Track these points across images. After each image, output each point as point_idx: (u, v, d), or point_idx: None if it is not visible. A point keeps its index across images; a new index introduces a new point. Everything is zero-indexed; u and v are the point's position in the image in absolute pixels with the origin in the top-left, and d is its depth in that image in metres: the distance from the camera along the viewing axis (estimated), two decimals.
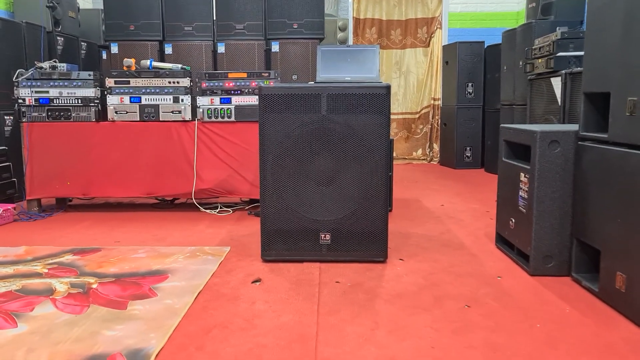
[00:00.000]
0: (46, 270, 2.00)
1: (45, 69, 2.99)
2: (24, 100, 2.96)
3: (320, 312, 1.60)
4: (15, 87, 2.97)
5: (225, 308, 1.64)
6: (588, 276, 1.81)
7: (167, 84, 2.97)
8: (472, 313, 1.60)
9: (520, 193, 2.01)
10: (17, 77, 2.97)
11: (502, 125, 2.23)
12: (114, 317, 1.56)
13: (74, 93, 2.97)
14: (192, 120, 2.98)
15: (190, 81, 3.00)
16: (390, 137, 2.13)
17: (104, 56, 4.34)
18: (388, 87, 1.99)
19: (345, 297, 1.73)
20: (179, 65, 3.06)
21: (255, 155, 2.92)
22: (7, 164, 3.22)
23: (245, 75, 2.96)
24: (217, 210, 3.06)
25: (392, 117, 1.85)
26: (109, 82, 2.98)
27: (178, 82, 2.97)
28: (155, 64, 3.07)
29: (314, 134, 2.01)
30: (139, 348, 1.37)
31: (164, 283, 1.86)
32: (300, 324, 1.52)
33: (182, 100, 2.97)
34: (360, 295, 1.75)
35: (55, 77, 2.97)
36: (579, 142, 1.83)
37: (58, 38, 3.96)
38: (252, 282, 1.87)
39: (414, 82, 5.66)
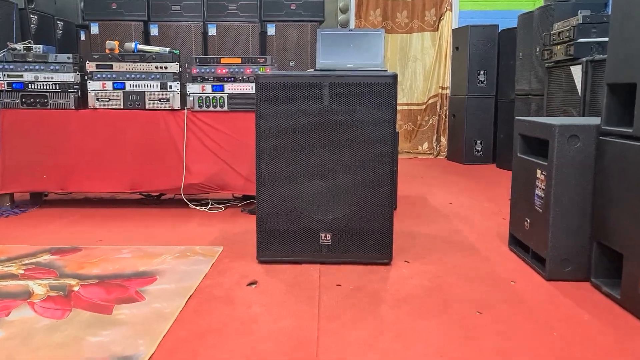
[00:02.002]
0: (22, 272, 2.01)
1: (19, 51, 2.98)
2: None
3: (321, 317, 1.62)
4: None
5: (219, 312, 1.66)
6: (609, 282, 1.84)
7: (154, 69, 2.97)
8: (483, 319, 1.62)
9: (536, 191, 2.03)
10: None
11: (516, 117, 2.25)
12: (99, 322, 1.58)
13: (51, 78, 2.97)
14: (181, 109, 2.99)
15: (180, 66, 3.00)
16: (396, 130, 2.14)
17: (83, 37, 4.33)
18: (395, 76, 2.01)
19: (347, 301, 1.75)
20: (167, 49, 3.06)
21: (250, 147, 2.92)
22: None
23: (239, 60, 2.96)
24: (208, 207, 3.08)
25: (397, 108, 1.88)
26: (90, 66, 2.97)
27: (166, 68, 2.97)
28: (140, 47, 3.07)
29: (315, 125, 2.02)
30: (126, 355, 1.39)
31: (152, 285, 1.88)
32: (299, 328, 1.55)
33: (171, 87, 2.97)
34: (363, 299, 1.77)
35: (30, 59, 2.96)
36: (601, 137, 1.85)
37: (31, 16, 3.94)
38: (248, 285, 1.89)
39: (421, 70, 5.67)
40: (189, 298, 1.76)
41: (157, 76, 2.97)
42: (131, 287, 1.87)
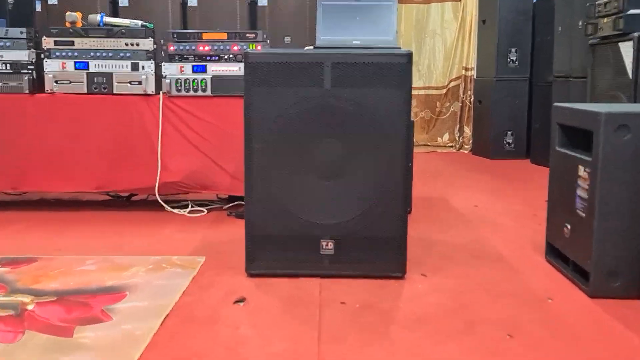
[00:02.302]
0: None
1: None
2: None
3: (322, 340, 1.63)
4: None
5: (201, 334, 1.66)
6: None
7: (124, 47, 2.97)
8: (513, 344, 1.62)
9: (578, 192, 2.03)
10: None
11: (555, 104, 2.25)
12: (58, 347, 1.58)
13: (1, 56, 2.97)
14: (155, 94, 2.99)
15: (154, 43, 3.00)
16: (411, 119, 2.14)
17: (38, 8, 4.33)
18: (410, 55, 2.01)
19: (352, 321, 1.76)
20: (139, 22, 3.07)
21: (238, 139, 2.89)
22: None
23: (224, 36, 2.97)
24: (188, 210, 3.08)
25: (412, 92, 1.88)
26: (47, 42, 2.97)
27: (137, 44, 2.97)
28: (107, 19, 3.07)
29: (315, 113, 2.02)
30: None
31: (121, 303, 1.88)
32: (296, 354, 1.55)
33: (143, 67, 2.97)
34: (371, 319, 1.77)
35: None
36: None
37: None
38: (235, 302, 1.90)
39: (441, 47, 5.67)
40: (165, 318, 1.76)
41: (127, 54, 2.97)
42: (96, 305, 1.87)
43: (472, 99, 5.53)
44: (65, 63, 2.97)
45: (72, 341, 1.62)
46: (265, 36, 2.99)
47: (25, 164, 3.00)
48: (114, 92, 2.98)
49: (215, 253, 2.39)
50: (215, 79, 2.96)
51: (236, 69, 2.95)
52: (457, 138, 5.65)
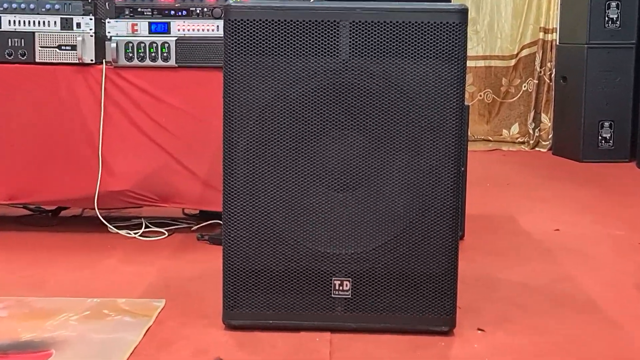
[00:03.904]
0: None
1: None
2: None
3: None
4: None
5: None
6: None
7: None
8: None
9: None
10: None
11: None
12: None
13: None
14: (96, 64, 2.99)
15: None
16: (465, 103, 2.13)
17: None
18: (464, 12, 2.00)
19: None
20: None
21: (214, 131, 2.88)
22: None
23: None
24: (141, 232, 3.08)
25: (467, 64, 1.88)
26: None
27: None
28: None
29: (326, 95, 2.01)
30: None
31: None
32: None
33: (78, 25, 2.97)
34: None
35: None
36: None
37: None
38: None
39: (509, 1, 5.65)
40: None
41: (56, 7, 2.98)
42: None
43: (553, 75, 5.51)
44: None
45: None
46: None
47: None
48: (36, 60, 2.98)
49: (180, 294, 2.38)
50: (182, 42, 2.96)
51: (212, 28, 2.95)
52: (531, 131, 5.63)
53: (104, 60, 3.00)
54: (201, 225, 3.19)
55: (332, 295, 2.07)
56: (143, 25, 2.98)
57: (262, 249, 2.07)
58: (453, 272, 2.07)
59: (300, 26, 2.00)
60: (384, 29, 2.00)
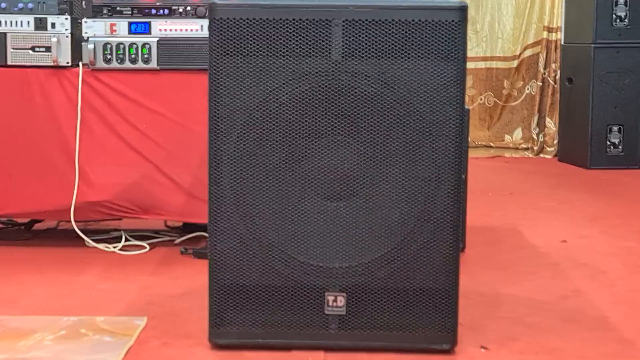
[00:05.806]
0: None
1: None
2: None
3: None
4: None
5: None
6: None
7: None
8: None
9: None
10: None
11: None
12: None
13: None
14: (72, 66, 3.00)
15: None
16: (465, 106, 2.12)
17: None
18: (463, 9, 1.99)
19: None
20: None
21: (199, 138, 2.89)
22: None
23: None
24: (121, 245, 3.08)
25: (467, 66, 1.88)
26: None
27: None
28: None
29: (317, 99, 2.01)
30: None
31: None
32: None
33: (53, 25, 2.98)
34: None
35: None
36: None
37: None
38: None
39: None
40: None
41: (29, 5, 2.99)
42: None
43: (558, 77, 5.52)
44: None
45: None
46: None
47: None
48: (8, 62, 2.99)
49: (163, 312, 2.37)
50: (164, 43, 2.98)
51: (196, 28, 2.97)
52: (535, 136, 5.67)
53: (80, 63, 3.01)
54: (185, 238, 3.21)
55: (326, 312, 2.06)
56: (122, 26, 2.99)
57: (251, 263, 2.06)
58: (454, 286, 2.06)
59: (290, 25, 2.00)
60: (379, 28, 1.99)
